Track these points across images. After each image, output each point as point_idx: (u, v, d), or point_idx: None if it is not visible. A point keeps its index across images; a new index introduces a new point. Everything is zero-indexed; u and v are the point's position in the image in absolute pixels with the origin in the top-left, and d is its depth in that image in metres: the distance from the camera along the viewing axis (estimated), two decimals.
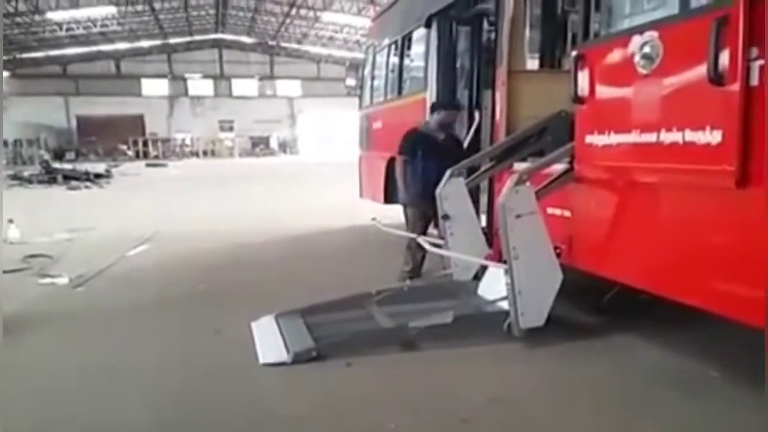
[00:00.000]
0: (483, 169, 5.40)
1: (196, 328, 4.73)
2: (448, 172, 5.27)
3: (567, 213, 4.38)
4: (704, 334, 3.98)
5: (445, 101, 6.09)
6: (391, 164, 6.94)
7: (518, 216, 4.04)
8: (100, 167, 26.93)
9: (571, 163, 4.18)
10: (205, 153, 48.96)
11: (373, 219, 6.94)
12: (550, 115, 5.01)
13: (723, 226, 3.09)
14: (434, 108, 5.95)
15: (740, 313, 2.96)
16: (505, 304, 4.31)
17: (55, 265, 7.15)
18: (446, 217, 5.27)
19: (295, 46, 48.57)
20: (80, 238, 9.17)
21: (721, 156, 2.91)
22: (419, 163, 5.78)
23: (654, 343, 4.06)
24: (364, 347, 4.08)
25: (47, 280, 6.38)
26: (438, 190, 5.27)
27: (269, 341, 4.21)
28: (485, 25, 6.27)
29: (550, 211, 4.43)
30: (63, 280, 6.35)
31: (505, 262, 4.14)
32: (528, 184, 4.14)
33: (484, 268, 5.03)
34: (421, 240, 5.53)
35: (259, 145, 51.22)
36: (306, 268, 6.92)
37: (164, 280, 6.43)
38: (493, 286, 4.70)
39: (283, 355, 3.94)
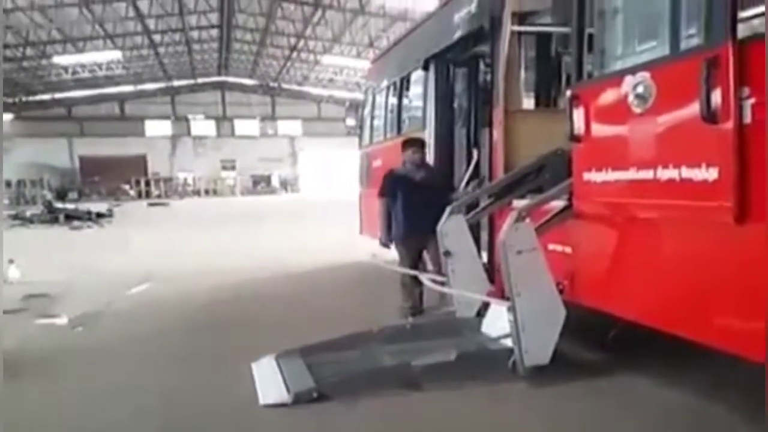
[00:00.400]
0: (483, 206, 5.44)
1: (198, 368, 4.70)
2: (447, 209, 5.30)
3: (568, 249, 4.39)
4: (710, 370, 3.94)
5: (410, 139, 6.16)
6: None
7: (519, 252, 4.05)
8: (102, 207, 27.04)
9: (569, 199, 4.21)
10: (206, 192, 49.22)
11: (374, 256, 6.95)
12: (547, 153, 5.06)
13: (723, 261, 3.09)
14: (404, 148, 6.03)
15: (742, 348, 2.95)
16: (509, 342, 4.27)
17: (55, 305, 7.12)
18: (447, 253, 5.28)
19: (296, 87, 49.28)
20: (81, 277, 9.16)
21: (718, 192, 2.93)
22: (399, 202, 5.87)
23: (660, 382, 4.00)
24: (365, 386, 4.03)
25: (46, 320, 6.35)
26: (439, 227, 5.29)
27: (270, 382, 4.17)
28: (481, 66, 6.38)
29: (551, 247, 4.44)
30: (62, 321, 6.33)
31: (507, 299, 4.13)
32: (528, 220, 4.16)
33: (486, 305, 5.00)
34: (423, 277, 5.53)
35: (260, 183, 51.53)
36: (308, 305, 6.91)
37: (165, 319, 6.41)
38: (497, 323, 4.65)
39: (283, 396, 3.90)
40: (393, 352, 4.55)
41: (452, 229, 5.29)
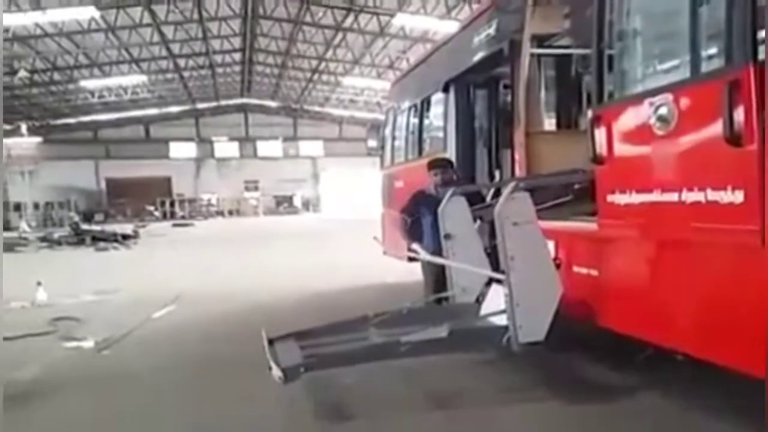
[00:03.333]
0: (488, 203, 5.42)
1: (224, 393, 4.69)
2: (449, 192, 5.30)
3: (594, 272, 4.33)
4: (739, 395, 3.85)
5: (436, 162, 6.12)
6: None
7: (515, 224, 3.99)
8: (127, 228, 27.42)
9: (573, 192, 4.14)
10: (230, 212, 49.83)
11: (375, 238, 6.83)
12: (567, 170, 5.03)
13: (751, 284, 3.03)
14: (429, 169, 6.02)
15: None
16: (504, 319, 4.19)
17: (82, 327, 7.21)
18: (448, 236, 5.26)
19: (317, 108, 49.75)
20: (107, 300, 9.27)
21: (744, 215, 2.89)
22: (425, 221, 5.84)
23: (690, 406, 3.93)
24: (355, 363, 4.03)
25: (72, 344, 6.42)
26: (440, 209, 5.29)
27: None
28: (501, 88, 6.40)
29: (576, 269, 4.40)
30: (88, 344, 6.39)
31: (502, 272, 4.07)
32: (525, 192, 4.11)
33: (488, 286, 4.96)
34: (416, 246, 5.50)
35: (282, 203, 52.02)
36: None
37: (190, 343, 6.43)
38: (495, 307, 4.57)
39: (275, 372, 3.87)
40: (388, 335, 4.50)
41: (453, 212, 5.27)
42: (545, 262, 4.08)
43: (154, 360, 5.80)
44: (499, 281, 4.45)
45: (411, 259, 7.23)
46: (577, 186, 4.81)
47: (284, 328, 4.83)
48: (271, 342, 4.41)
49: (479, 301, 5.06)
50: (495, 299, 4.63)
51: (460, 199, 5.30)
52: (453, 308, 5.21)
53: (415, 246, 5.56)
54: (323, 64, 36.36)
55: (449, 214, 5.26)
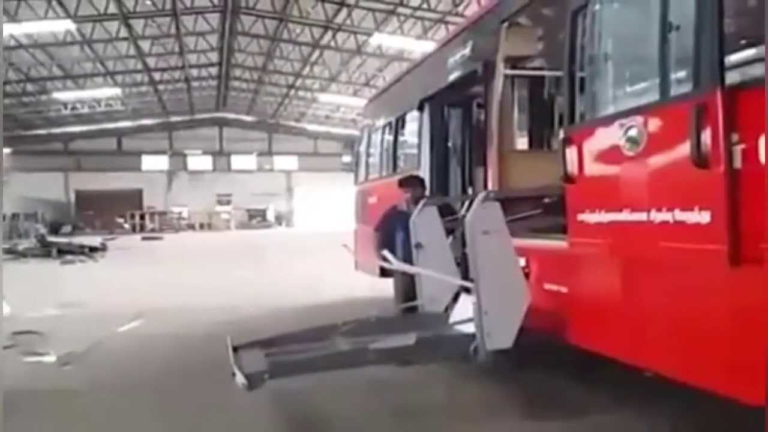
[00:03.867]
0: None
1: (185, 411, 4.61)
2: (421, 203, 5.32)
3: (564, 290, 4.35)
4: (705, 412, 3.89)
5: (408, 179, 6.18)
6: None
7: (485, 232, 4.01)
8: (95, 241, 26.88)
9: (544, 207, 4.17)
10: (201, 226, 49.27)
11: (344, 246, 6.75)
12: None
13: (718, 304, 3.08)
14: (400, 186, 6.03)
15: (739, 392, 2.91)
16: (471, 327, 4.18)
17: (44, 342, 7.01)
18: (418, 245, 5.26)
19: (293, 123, 49.71)
20: (71, 313, 9.06)
21: (712, 236, 2.93)
22: (398, 237, 5.88)
23: (659, 423, 3.95)
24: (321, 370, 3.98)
25: (33, 358, 6.25)
26: (411, 219, 5.30)
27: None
28: (475, 107, 6.46)
29: (546, 287, 4.43)
30: (50, 358, 6.23)
31: (472, 281, 4.07)
32: (496, 202, 4.13)
33: (455, 301, 4.95)
34: (387, 253, 5.48)
35: (256, 217, 51.63)
36: None
37: (155, 358, 6.30)
38: (464, 315, 4.55)
39: (240, 379, 3.79)
40: (354, 342, 4.46)
41: (424, 221, 5.28)
42: (514, 270, 4.10)
43: (116, 376, 5.67)
44: (467, 291, 4.45)
45: (383, 274, 7.22)
46: (547, 200, 4.87)
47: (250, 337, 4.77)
48: (236, 349, 4.33)
49: (447, 311, 5.06)
50: (463, 309, 4.63)
51: (431, 209, 5.32)
52: (421, 317, 5.19)
53: (386, 253, 5.54)
54: (300, 80, 36.43)
55: (420, 223, 5.27)
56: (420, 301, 5.32)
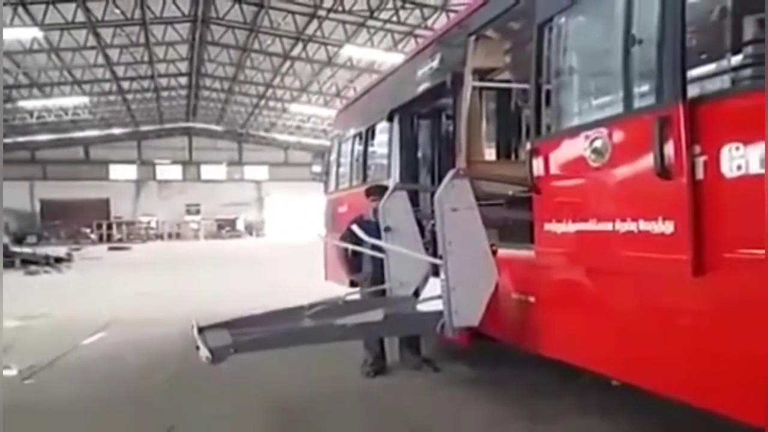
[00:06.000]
0: None
1: (149, 427, 4.52)
2: (391, 187, 5.36)
3: (531, 299, 4.38)
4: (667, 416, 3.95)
5: (374, 189, 6.18)
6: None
7: (454, 210, 4.04)
8: (61, 251, 26.35)
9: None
10: (170, 236, 48.63)
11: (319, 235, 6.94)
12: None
13: (681, 313, 3.13)
14: (367, 195, 6.06)
15: (698, 399, 2.97)
16: (439, 305, 4.20)
17: (4, 355, 6.83)
18: (388, 229, 5.30)
19: (263, 133, 49.42)
20: (33, 325, 8.87)
21: (675, 246, 2.98)
22: (365, 247, 5.83)
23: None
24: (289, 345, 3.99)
25: None
26: (381, 204, 5.34)
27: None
28: (444, 118, 6.51)
29: (513, 296, 4.45)
30: (11, 372, 6.08)
31: (440, 258, 4.08)
32: (466, 179, 4.15)
33: (423, 285, 4.98)
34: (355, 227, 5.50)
35: (225, 227, 51.07)
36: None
37: (120, 372, 6.20)
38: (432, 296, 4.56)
39: (204, 353, 3.75)
40: (322, 323, 4.45)
41: (394, 206, 5.32)
42: (482, 247, 4.12)
43: (80, 389, 5.56)
44: (436, 274, 4.43)
45: (353, 285, 7.20)
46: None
47: None
48: (201, 330, 4.25)
49: (417, 295, 5.08)
50: (432, 291, 4.65)
51: (401, 193, 5.36)
52: (389, 299, 5.21)
53: (354, 227, 5.55)
54: (270, 91, 36.23)
55: (390, 208, 5.29)
56: (388, 285, 5.33)
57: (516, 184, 4.72)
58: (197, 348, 3.81)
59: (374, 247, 5.67)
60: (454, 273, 4.01)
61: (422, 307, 4.60)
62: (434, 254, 4.96)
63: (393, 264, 5.27)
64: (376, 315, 4.16)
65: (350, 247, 5.97)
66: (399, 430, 4.43)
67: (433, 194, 6.45)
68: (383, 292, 5.56)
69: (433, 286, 4.65)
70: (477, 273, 4.07)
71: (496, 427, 4.32)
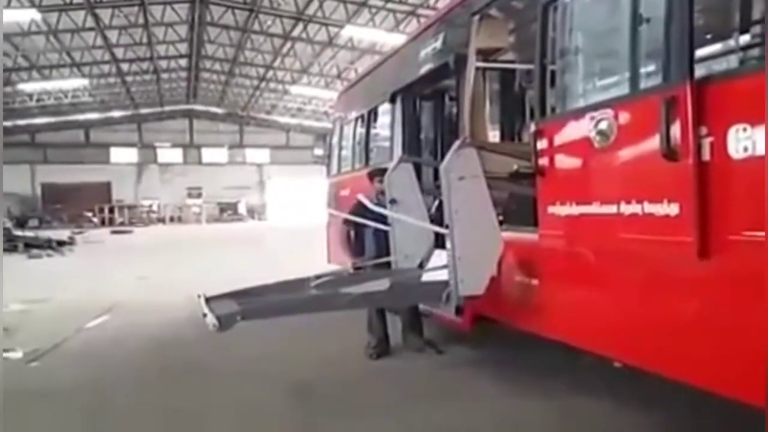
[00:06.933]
0: None
1: (156, 410, 4.55)
2: (397, 158, 5.34)
3: (534, 281, 4.38)
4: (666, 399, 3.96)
5: (377, 171, 6.15)
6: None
7: (461, 178, 4.04)
8: (63, 234, 26.36)
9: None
10: (172, 219, 48.70)
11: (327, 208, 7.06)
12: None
13: (686, 295, 3.12)
14: (371, 179, 6.04)
15: (712, 382, 2.97)
16: (444, 275, 4.22)
17: (9, 338, 6.86)
18: (393, 201, 5.30)
19: (264, 116, 49.23)
20: (38, 309, 8.89)
21: (680, 228, 2.97)
22: (369, 231, 5.86)
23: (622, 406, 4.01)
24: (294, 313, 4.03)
25: None
26: (386, 176, 5.34)
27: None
28: (447, 100, 6.46)
29: (517, 278, 4.44)
30: (16, 355, 6.10)
31: (446, 227, 4.09)
32: (473, 148, 4.14)
33: (428, 258, 5.00)
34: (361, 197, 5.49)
35: (227, 210, 51.09)
36: (268, 336, 6.69)
37: (123, 355, 6.22)
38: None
39: (212, 320, 3.78)
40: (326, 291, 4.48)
41: (399, 177, 5.32)
42: (488, 216, 4.12)
43: (84, 372, 5.59)
44: (440, 246, 4.44)
45: (357, 269, 7.21)
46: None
47: (220, 336, 4.71)
48: (208, 301, 4.26)
49: (422, 267, 5.09)
50: (437, 262, 4.66)
51: (407, 165, 5.34)
52: (395, 271, 5.22)
53: (360, 197, 5.54)
54: (271, 72, 36.04)
55: (396, 179, 5.27)
56: (394, 257, 5.33)
57: (521, 158, 4.69)
58: (204, 315, 3.82)
59: (377, 231, 5.67)
60: (461, 242, 4.02)
61: (427, 278, 4.60)
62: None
63: (398, 237, 5.26)
64: (382, 284, 4.17)
65: (355, 220, 5.94)
66: (405, 402, 4.47)
67: (436, 170, 6.50)
68: (388, 266, 5.59)
69: (438, 257, 4.65)
70: (483, 242, 4.09)
71: (493, 402, 4.36)
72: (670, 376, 3.20)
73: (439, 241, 5.01)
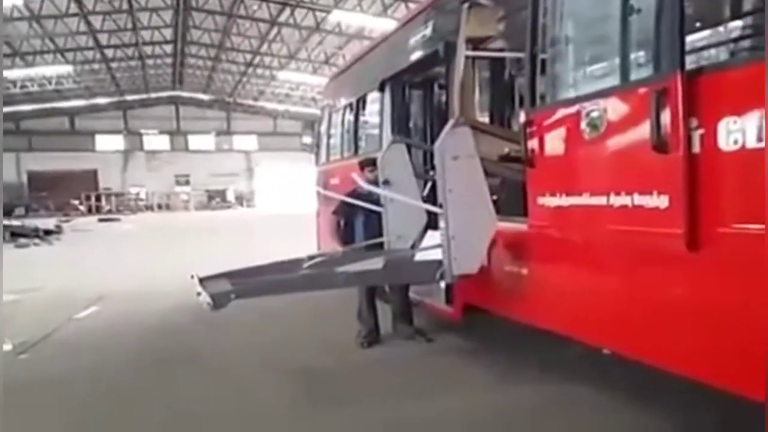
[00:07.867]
0: None
1: (147, 402, 4.54)
2: (390, 139, 5.33)
3: (524, 271, 4.40)
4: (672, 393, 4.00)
5: (368, 160, 6.11)
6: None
7: (455, 157, 4.05)
8: (50, 223, 26.17)
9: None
10: (159, 207, 48.47)
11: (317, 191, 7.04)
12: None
13: (676, 286, 3.14)
14: (361, 168, 6.02)
15: (691, 370, 3.01)
16: (438, 254, 4.25)
17: None
18: (386, 182, 5.31)
19: (251, 102, 48.90)
20: (26, 299, 8.81)
21: (670, 220, 2.99)
22: (359, 220, 5.85)
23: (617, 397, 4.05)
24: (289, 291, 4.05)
25: None
26: (379, 156, 5.34)
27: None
28: (436, 88, 6.44)
29: (507, 268, 4.46)
30: (6, 347, 6.06)
31: (440, 206, 4.12)
32: (467, 127, 4.15)
33: (421, 238, 5.04)
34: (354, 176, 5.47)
35: (215, 198, 50.90)
36: (262, 326, 6.71)
37: (114, 346, 6.19)
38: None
39: (205, 299, 3.79)
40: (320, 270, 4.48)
41: (392, 158, 5.33)
42: (482, 195, 4.13)
43: (75, 364, 5.56)
44: (433, 227, 4.45)
45: None
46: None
47: (213, 325, 4.67)
48: (201, 281, 4.25)
49: (414, 248, 5.10)
50: (430, 242, 4.67)
51: (399, 146, 5.34)
52: (388, 251, 5.23)
53: (354, 176, 5.55)
54: (258, 58, 35.78)
55: (389, 160, 5.27)
56: (386, 238, 5.34)
57: (513, 141, 4.70)
58: (198, 294, 3.81)
59: (367, 220, 5.67)
60: (454, 221, 4.04)
61: (421, 257, 4.61)
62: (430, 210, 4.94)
63: (391, 217, 5.27)
64: (376, 263, 4.17)
65: (344, 210, 5.93)
66: (398, 389, 4.50)
67: (425, 154, 6.49)
68: (381, 246, 5.59)
69: (431, 238, 4.66)
70: (477, 220, 4.11)
71: (485, 390, 4.41)
72: (660, 367, 3.23)
73: (432, 223, 5.03)
